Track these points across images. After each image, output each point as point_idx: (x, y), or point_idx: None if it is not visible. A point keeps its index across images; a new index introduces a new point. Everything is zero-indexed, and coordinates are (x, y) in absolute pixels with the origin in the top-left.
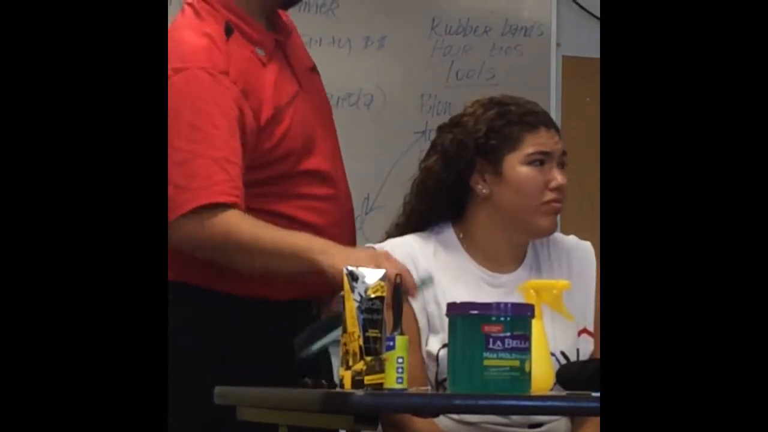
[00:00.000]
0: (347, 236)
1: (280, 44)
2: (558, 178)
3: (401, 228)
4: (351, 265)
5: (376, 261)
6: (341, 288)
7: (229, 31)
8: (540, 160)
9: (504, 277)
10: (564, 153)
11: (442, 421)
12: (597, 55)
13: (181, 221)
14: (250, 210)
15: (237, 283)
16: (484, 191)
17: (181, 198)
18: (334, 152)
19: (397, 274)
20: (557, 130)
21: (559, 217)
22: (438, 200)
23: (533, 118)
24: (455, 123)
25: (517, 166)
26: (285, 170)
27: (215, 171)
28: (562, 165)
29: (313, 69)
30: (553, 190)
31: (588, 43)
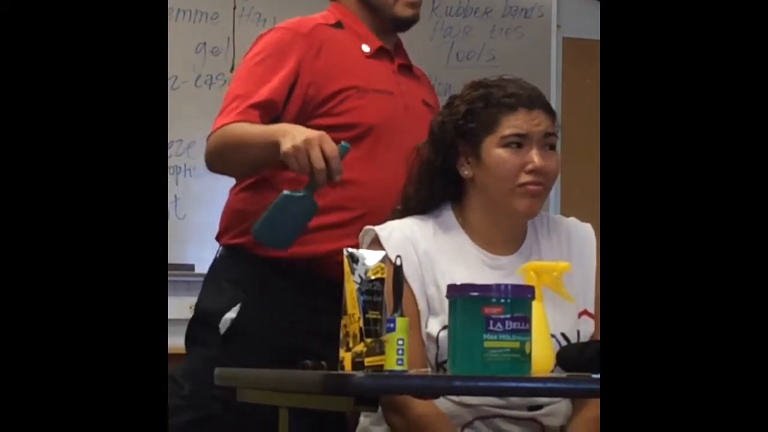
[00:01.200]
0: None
1: (389, 56)
2: (536, 160)
3: (401, 213)
4: (292, 140)
5: (319, 140)
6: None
7: (338, 24)
8: (516, 142)
9: (503, 259)
10: (549, 134)
11: (442, 403)
12: (597, 37)
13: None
14: None
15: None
16: (467, 174)
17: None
18: (376, 157)
19: (397, 256)
20: (546, 110)
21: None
22: (432, 183)
23: (512, 100)
24: (446, 105)
25: (493, 149)
26: (346, 137)
27: (224, 110)
28: (548, 146)
29: (429, 106)
30: (530, 172)
31: (588, 25)
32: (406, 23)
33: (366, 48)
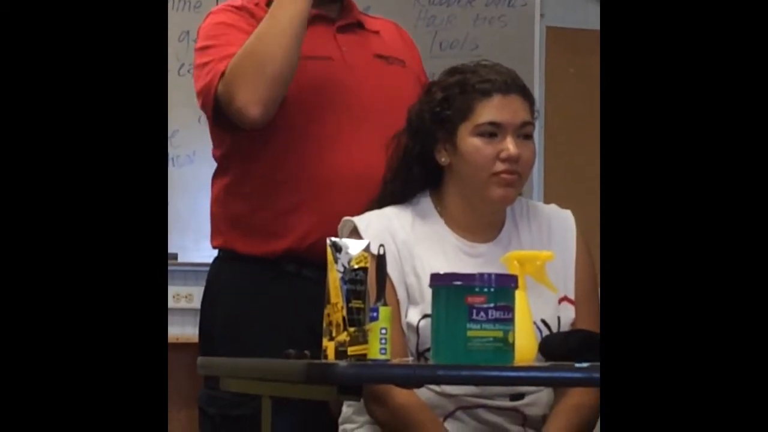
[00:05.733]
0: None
1: (326, 20)
2: (510, 148)
3: (380, 203)
4: None
5: None
6: None
7: (269, 4)
8: (491, 130)
9: (482, 247)
10: (526, 123)
11: (423, 393)
12: (580, 26)
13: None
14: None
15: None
16: (444, 161)
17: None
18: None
19: (380, 245)
20: (523, 95)
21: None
22: (409, 171)
23: (487, 86)
24: (424, 92)
25: (467, 137)
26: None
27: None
28: (525, 135)
29: (385, 58)
30: (504, 160)
31: (572, 14)
32: None
33: None
